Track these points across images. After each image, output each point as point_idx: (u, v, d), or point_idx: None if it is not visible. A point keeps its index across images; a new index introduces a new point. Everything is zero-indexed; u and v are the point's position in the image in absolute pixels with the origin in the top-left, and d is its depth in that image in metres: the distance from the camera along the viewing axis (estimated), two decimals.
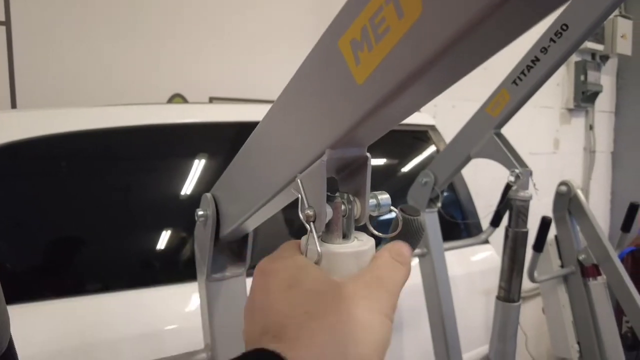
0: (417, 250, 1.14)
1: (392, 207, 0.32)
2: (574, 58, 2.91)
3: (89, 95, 1.49)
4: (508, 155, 0.92)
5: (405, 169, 1.57)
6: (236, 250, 0.57)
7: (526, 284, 1.15)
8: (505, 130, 0.95)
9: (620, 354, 1.33)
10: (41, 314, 0.88)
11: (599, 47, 2.94)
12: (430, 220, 1.13)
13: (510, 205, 0.95)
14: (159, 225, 1.10)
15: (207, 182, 1.13)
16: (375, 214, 0.31)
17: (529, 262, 1.26)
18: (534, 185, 0.94)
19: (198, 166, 1.17)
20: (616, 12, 2.96)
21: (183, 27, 1.68)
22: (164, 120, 1.16)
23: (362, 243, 0.30)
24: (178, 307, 0.97)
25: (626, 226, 1.38)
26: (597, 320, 1.34)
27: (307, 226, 0.28)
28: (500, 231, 1.04)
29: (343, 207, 0.29)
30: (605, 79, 3.12)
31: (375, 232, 0.32)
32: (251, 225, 0.49)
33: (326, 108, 0.26)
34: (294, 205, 0.32)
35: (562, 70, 2.91)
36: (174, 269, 1.08)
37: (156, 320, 0.93)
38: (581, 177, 3.18)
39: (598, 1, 0.74)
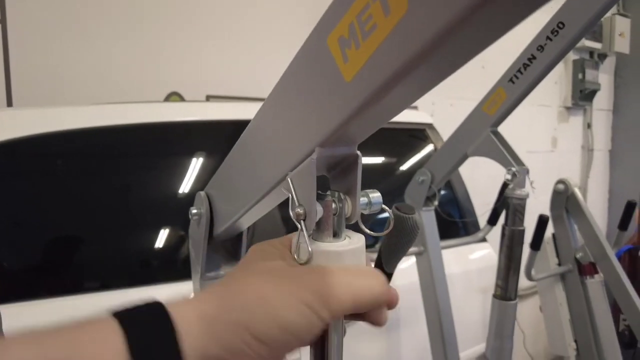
0: (414, 249, 1.15)
1: (383, 206, 0.32)
2: (572, 56, 2.91)
3: (85, 94, 1.49)
4: (505, 154, 0.92)
5: (403, 167, 1.57)
6: (230, 248, 0.56)
7: (523, 282, 1.15)
8: (502, 129, 0.95)
9: (617, 352, 1.33)
10: (39, 312, 0.87)
11: (597, 45, 2.94)
12: (427, 219, 1.13)
13: (507, 203, 0.95)
14: (156, 224, 1.10)
15: (204, 180, 1.13)
16: (366, 212, 0.31)
17: (526, 260, 1.26)
18: (531, 183, 0.94)
19: (195, 164, 1.17)
20: (614, 10, 2.96)
21: (180, 25, 1.68)
22: (161, 118, 1.15)
23: (353, 242, 0.30)
24: None
25: (623, 224, 1.38)
26: (594, 318, 1.34)
27: (298, 225, 0.28)
28: (498, 229, 1.04)
29: (334, 205, 0.29)
30: (603, 77, 3.12)
31: (367, 231, 0.32)
32: (245, 223, 0.49)
33: (315, 106, 0.26)
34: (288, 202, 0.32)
35: (560, 68, 2.91)
36: (171, 267, 1.08)
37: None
38: (579, 176, 3.19)
39: None
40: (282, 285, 0.26)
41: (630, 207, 1.37)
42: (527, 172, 0.92)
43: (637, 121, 3.16)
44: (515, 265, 0.96)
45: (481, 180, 1.77)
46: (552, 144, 2.99)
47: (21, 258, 0.96)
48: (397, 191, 1.25)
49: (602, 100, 3.23)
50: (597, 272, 1.33)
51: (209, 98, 1.70)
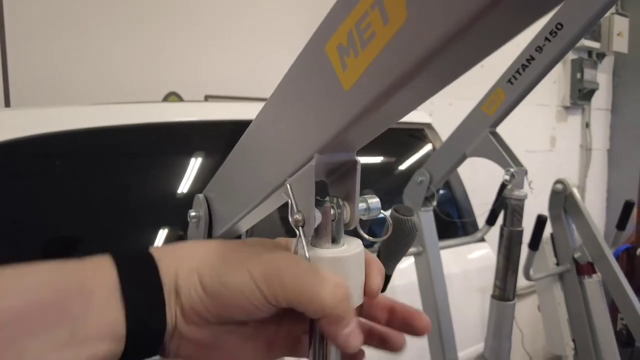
0: (413, 249, 1.15)
1: (382, 211, 0.32)
2: (571, 56, 2.92)
3: (83, 94, 1.49)
4: (503, 154, 0.92)
5: (402, 167, 1.57)
6: None
7: (522, 281, 1.15)
8: (501, 128, 0.95)
9: (615, 351, 1.34)
10: None
11: (595, 44, 2.95)
12: (426, 219, 1.13)
13: (506, 204, 0.95)
14: (155, 224, 1.10)
15: (202, 181, 1.13)
16: (365, 217, 0.31)
17: (525, 260, 1.26)
18: (529, 184, 0.94)
19: (194, 165, 1.17)
20: (612, 9, 2.96)
21: (178, 25, 1.67)
22: (160, 118, 1.15)
23: (351, 247, 0.30)
24: None
25: (621, 224, 1.39)
26: (592, 318, 1.34)
27: (296, 231, 0.28)
28: (496, 229, 1.04)
29: (332, 211, 0.29)
30: (602, 76, 3.13)
31: (366, 236, 0.32)
32: (244, 226, 0.49)
33: (314, 113, 0.26)
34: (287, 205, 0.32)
35: (558, 67, 2.91)
36: None
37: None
38: (577, 175, 3.19)
39: (593, 0, 0.74)
40: (241, 255, 0.30)
41: (628, 206, 1.37)
42: (526, 173, 0.92)
43: (635, 121, 3.17)
44: (513, 265, 0.97)
45: (480, 180, 1.77)
46: (551, 144, 2.99)
47: (19, 259, 0.96)
48: (395, 191, 1.25)
49: (601, 100, 3.23)
50: (595, 272, 1.33)
51: (207, 98, 1.70)
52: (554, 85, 2.94)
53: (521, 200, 0.93)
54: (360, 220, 0.31)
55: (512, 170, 0.90)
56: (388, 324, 0.34)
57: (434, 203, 1.11)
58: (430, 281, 1.14)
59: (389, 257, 0.57)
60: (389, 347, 0.34)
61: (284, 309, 0.28)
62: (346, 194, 0.30)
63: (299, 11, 1.89)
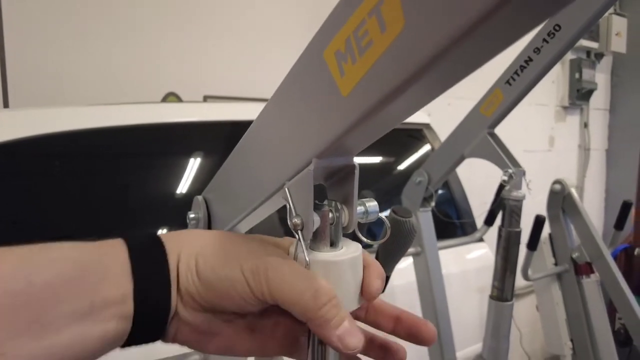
0: (411, 249, 1.15)
1: (380, 215, 0.32)
2: (569, 56, 2.92)
3: (82, 95, 1.48)
4: (501, 155, 0.92)
5: (401, 167, 1.57)
6: None
7: (520, 281, 1.15)
8: (500, 128, 0.95)
9: (613, 351, 1.34)
10: None
11: (593, 44, 2.95)
12: (424, 220, 1.13)
13: (504, 204, 0.95)
14: (154, 224, 1.10)
15: (201, 181, 1.13)
16: (363, 221, 0.31)
17: (523, 260, 1.27)
18: (527, 184, 0.95)
19: (193, 165, 1.17)
20: (611, 10, 2.96)
21: (177, 25, 1.67)
22: (158, 119, 1.15)
23: (350, 250, 0.30)
24: None
25: (619, 224, 1.39)
26: (590, 318, 1.35)
27: (295, 235, 0.28)
28: (495, 228, 1.05)
29: (330, 215, 0.30)
30: (600, 76, 3.13)
31: (364, 239, 0.32)
32: (243, 228, 0.49)
33: (312, 118, 0.26)
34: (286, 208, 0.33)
35: (557, 68, 2.91)
36: None
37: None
38: (576, 175, 3.20)
39: (591, 2, 0.74)
40: (237, 249, 0.31)
41: (626, 207, 1.38)
42: (524, 173, 0.92)
43: (633, 121, 3.17)
44: (511, 266, 0.97)
45: (479, 180, 1.77)
46: (549, 143, 3.00)
47: None
48: (394, 191, 1.25)
49: (599, 100, 3.23)
50: (593, 272, 1.34)
51: (206, 98, 1.70)
52: (552, 85, 2.95)
53: (519, 201, 0.93)
54: (359, 223, 0.31)
55: (510, 171, 0.90)
56: (393, 332, 0.34)
57: (433, 203, 1.11)
58: (429, 281, 1.14)
59: (388, 258, 0.57)
60: (388, 358, 0.34)
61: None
62: (344, 197, 0.30)
63: (298, 12, 1.89)
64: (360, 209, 0.30)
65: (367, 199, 0.31)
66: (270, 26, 1.86)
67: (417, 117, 1.56)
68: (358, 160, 0.29)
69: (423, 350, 1.18)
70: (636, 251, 2.40)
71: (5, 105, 1.39)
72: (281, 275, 0.28)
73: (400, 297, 1.22)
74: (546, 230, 1.31)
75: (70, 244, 0.29)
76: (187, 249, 0.31)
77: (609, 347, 1.34)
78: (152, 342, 0.30)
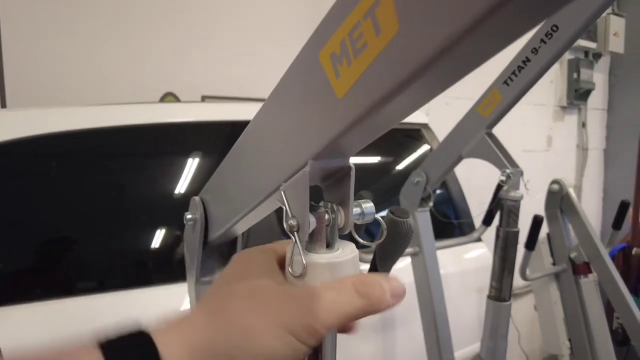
0: (409, 250, 1.15)
1: (376, 216, 0.32)
2: (567, 56, 2.93)
3: (80, 95, 1.48)
4: (499, 156, 0.93)
5: (399, 167, 1.57)
6: (225, 253, 0.56)
7: (518, 281, 1.16)
8: (498, 128, 0.95)
9: (611, 350, 1.34)
10: (32, 315, 0.87)
11: (591, 44, 2.96)
12: (422, 220, 1.13)
13: (502, 204, 0.95)
14: (151, 225, 1.10)
15: (199, 181, 1.13)
16: (359, 222, 0.31)
17: (521, 260, 1.27)
18: (525, 185, 0.95)
19: (191, 165, 1.17)
20: (609, 10, 2.97)
21: (175, 25, 1.67)
22: (156, 119, 1.15)
23: (346, 252, 0.30)
24: (171, 307, 0.97)
25: (617, 224, 1.39)
26: (587, 317, 1.35)
27: (291, 237, 0.28)
28: (493, 228, 1.05)
29: (327, 216, 0.29)
30: (598, 76, 3.14)
31: (361, 241, 0.32)
32: (240, 229, 0.49)
33: (308, 120, 0.26)
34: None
35: (555, 67, 2.91)
36: (167, 269, 1.08)
37: (149, 321, 0.93)
38: (574, 175, 3.20)
39: (588, 2, 0.74)
40: (268, 314, 0.26)
41: (623, 206, 1.38)
42: (522, 174, 0.92)
43: (631, 120, 3.17)
44: (509, 266, 0.97)
45: (477, 180, 1.77)
46: (547, 143, 3.00)
47: (17, 260, 0.95)
48: (392, 191, 1.25)
49: (597, 100, 3.24)
50: (591, 272, 1.34)
51: (204, 98, 1.70)
52: (550, 85, 2.95)
53: (517, 201, 0.93)
54: (355, 224, 0.31)
55: (508, 171, 0.91)
56: None
57: (431, 203, 1.11)
58: (427, 281, 1.14)
59: (385, 259, 0.57)
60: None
61: None
62: (340, 199, 0.30)
63: (296, 12, 1.89)
64: (356, 210, 0.30)
65: (363, 200, 0.31)
66: (269, 26, 1.86)
67: (415, 117, 1.56)
68: (355, 159, 0.29)
69: (421, 349, 1.18)
70: (634, 251, 2.40)
71: (3, 105, 1.38)
72: (335, 305, 0.26)
73: None
74: (544, 230, 1.31)
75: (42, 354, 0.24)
76: (208, 353, 0.25)
77: (606, 346, 1.34)
78: None
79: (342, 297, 0.27)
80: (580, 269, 1.34)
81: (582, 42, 2.87)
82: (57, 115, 1.05)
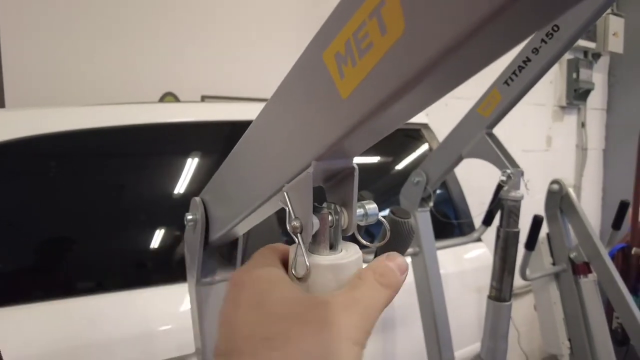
0: (410, 250, 1.15)
1: (380, 217, 0.32)
2: (567, 56, 2.93)
3: (79, 95, 1.48)
4: (499, 156, 0.92)
5: (399, 167, 1.57)
6: (226, 254, 0.56)
7: (518, 280, 1.16)
8: (497, 128, 0.95)
9: (610, 350, 1.34)
10: (32, 315, 0.87)
11: (591, 45, 2.96)
12: (423, 220, 1.13)
13: (502, 204, 0.95)
14: (151, 225, 1.09)
15: (199, 181, 1.12)
16: (362, 223, 0.31)
17: (521, 260, 1.27)
18: (526, 185, 0.95)
19: (190, 166, 1.16)
20: (608, 10, 2.97)
21: (175, 25, 1.66)
22: (156, 119, 1.15)
23: (350, 253, 0.30)
24: (171, 308, 0.97)
25: (616, 224, 1.39)
26: (587, 317, 1.35)
27: (295, 238, 0.28)
28: (494, 228, 1.05)
29: (330, 217, 0.29)
30: (597, 76, 3.14)
31: (363, 242, 0.32)
32: (241, 230, 0.49)
33: (311, 120, 0.26)
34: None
35: (554, 68, 2.91)
36: (167, 269, 1.08)
37: (149, 322, 0.93)
38: (573, 175, 3.21)
39: (589, 2, 0.74)
40: (325, 333, 0.25)
41: (623, 206, 1.38)
42: (522, 174, 0.92)
43: (630, 120, 3.18)
44: (509, 266, 0.97)
45: (477, 180, 1.77)
46: (547, 143, 3.00)
47: (16, 261, 0.95)
48: (392, 191, 1.25)
49: (596, 100, 3.24)
50: (590, 272, 1.34)
51: (204, 98, 1.69)
52: (550, 85, 2.95)
53: (517, 202, 0.93)
54: (358, 225, 0.31)
55: (508, 171, 0.91)
56: None
57: (431, 204, 1.11)
58: (427, 281, 1.14)
59: None
60: None
61: None
62: (344, 200, 0.30)
63: (296, 12, 1.88)
64: (359, 211, 0.30)
65: (367, 201, 0.31)
66: (268, 26, 1.85)
67: (415, 117, 1.56)
68: (355, 159, 0.29)
69: (421, 349, 1.18)
70: (633, 250, 2.40)
71: (2, 105, 1.38)
72: (374, 303, 0.28)
73: (398, 297, 1.22)
74: (544, 230, 1.31)
75: None
76: None
77: (606, 346, 1.35)
78: None
79: (376, 294, 0.28)
80: (580, 269, 1.35)
81: (582, 42, 2.88)
82: (56, 115, 1.05)
